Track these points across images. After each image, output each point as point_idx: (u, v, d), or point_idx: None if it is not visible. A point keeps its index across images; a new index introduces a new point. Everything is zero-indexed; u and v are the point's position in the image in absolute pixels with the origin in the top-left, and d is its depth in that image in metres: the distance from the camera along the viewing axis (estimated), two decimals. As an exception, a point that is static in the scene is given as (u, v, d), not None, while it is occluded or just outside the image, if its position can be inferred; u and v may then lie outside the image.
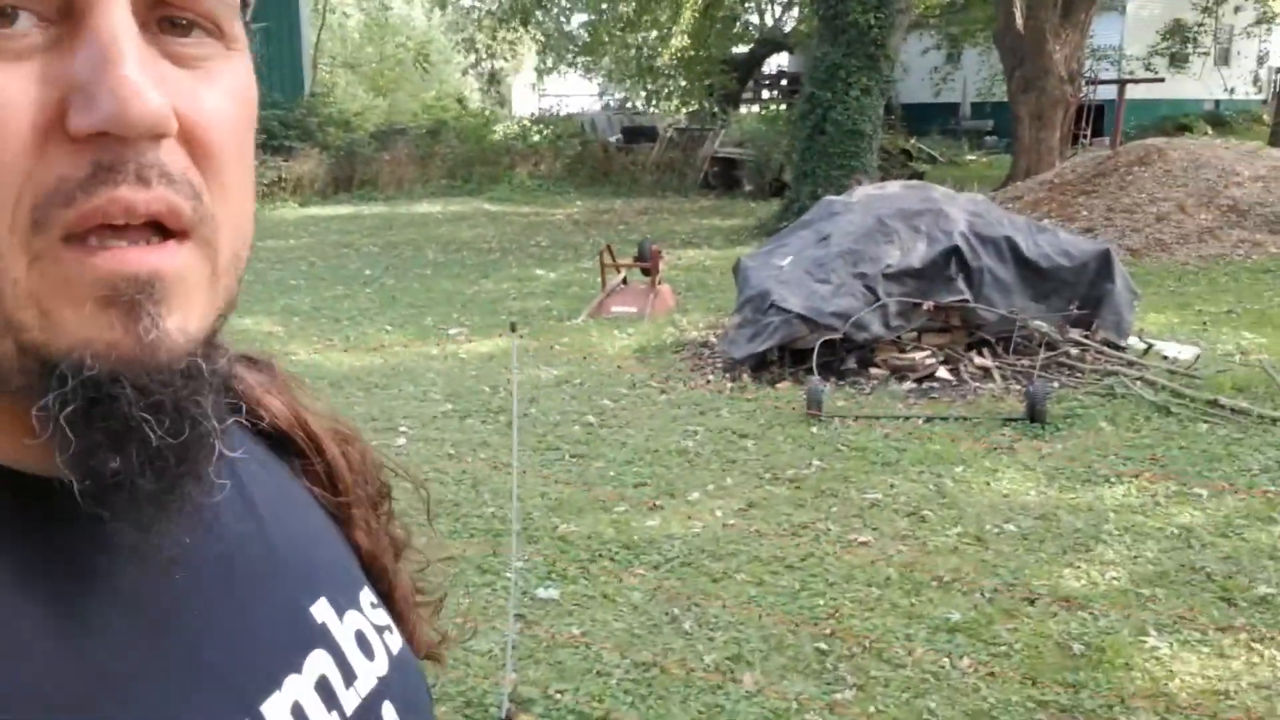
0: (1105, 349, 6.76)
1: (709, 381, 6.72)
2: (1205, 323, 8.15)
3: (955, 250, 6.77)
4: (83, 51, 0.41)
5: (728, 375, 6.76)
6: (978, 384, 6.46)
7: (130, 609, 0.48)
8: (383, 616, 0.62)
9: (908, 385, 6.49)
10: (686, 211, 16.42)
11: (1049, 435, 5.65)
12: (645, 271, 8.73)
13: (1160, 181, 11.42)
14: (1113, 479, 5.01)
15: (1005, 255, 6.89)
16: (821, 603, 3.85)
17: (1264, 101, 30.37)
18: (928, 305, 6.69)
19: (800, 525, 4.54)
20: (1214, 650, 3.53)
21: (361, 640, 0.59)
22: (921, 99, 26.35)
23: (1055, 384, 6.38)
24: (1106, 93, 24.04)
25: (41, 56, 0.41)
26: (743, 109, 27.22)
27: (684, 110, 24.42)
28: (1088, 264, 6.99)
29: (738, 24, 26.22)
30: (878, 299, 6.68)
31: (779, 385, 6.53)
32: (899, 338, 6.79)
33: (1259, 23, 24.22)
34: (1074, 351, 6.62)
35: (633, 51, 22.62)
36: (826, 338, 6.59)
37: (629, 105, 26.41)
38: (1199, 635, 3.62)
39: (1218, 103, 29.55)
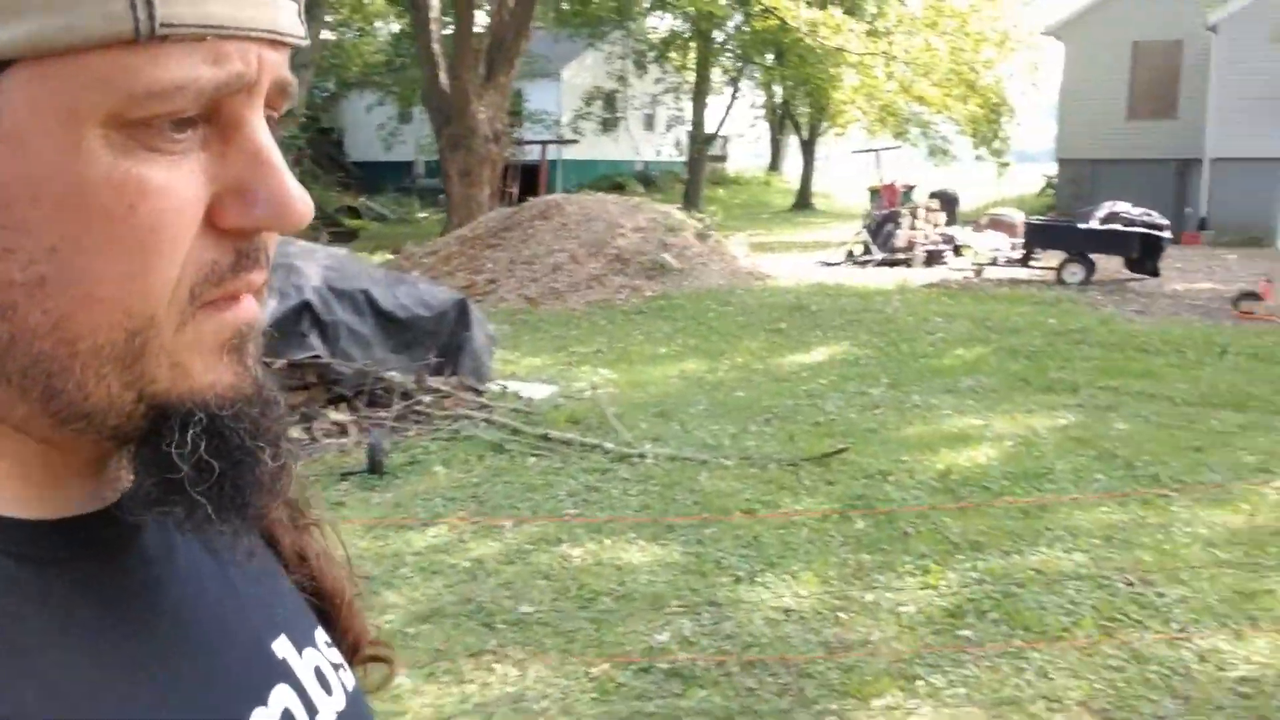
0: (464, 394, 7.04)
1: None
2: (572, 362, 8.84)
3: (307, 305, 6.72)
4: (240, 157, 0.46)
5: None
6: (332, 440, 6.43)
7: (105, 653, 0.48)
8: (336, 655, 0.63)
9: (260, 447, 6.28)
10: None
11: (385, 485, 5.72)
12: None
13: (558, 234, 12.36)
14: (429, 522, 5.15)
15: (363, 308, 6.96)
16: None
17: (685, 163, 34.47)
18: (279, 364, 6.55)
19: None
20: (455, 678, 3.67)
21: (320, 676, 0.59)
22: (374, 156, 26.67)
23: (410, 432, 6.52)
24: (548, 153, 25.85)
25: (196, 156, 0.45)
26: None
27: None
28: (447, 313, 7.27)
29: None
30: (228, 360, 6.42)
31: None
32: (255, 398, 6.58)
33: (666, 91, 27.39)
34: (428, 399, 6.82)
35: None
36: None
37: None
38: (447, 665, 3.75)
39: (646, 164, 33.00)
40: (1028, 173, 33.20)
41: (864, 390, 7.92)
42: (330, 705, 0.59)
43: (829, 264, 15.83)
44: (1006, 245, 15.76)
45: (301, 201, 0.47)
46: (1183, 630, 4.13)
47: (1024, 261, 14.66)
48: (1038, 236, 14.52)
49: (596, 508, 5.43)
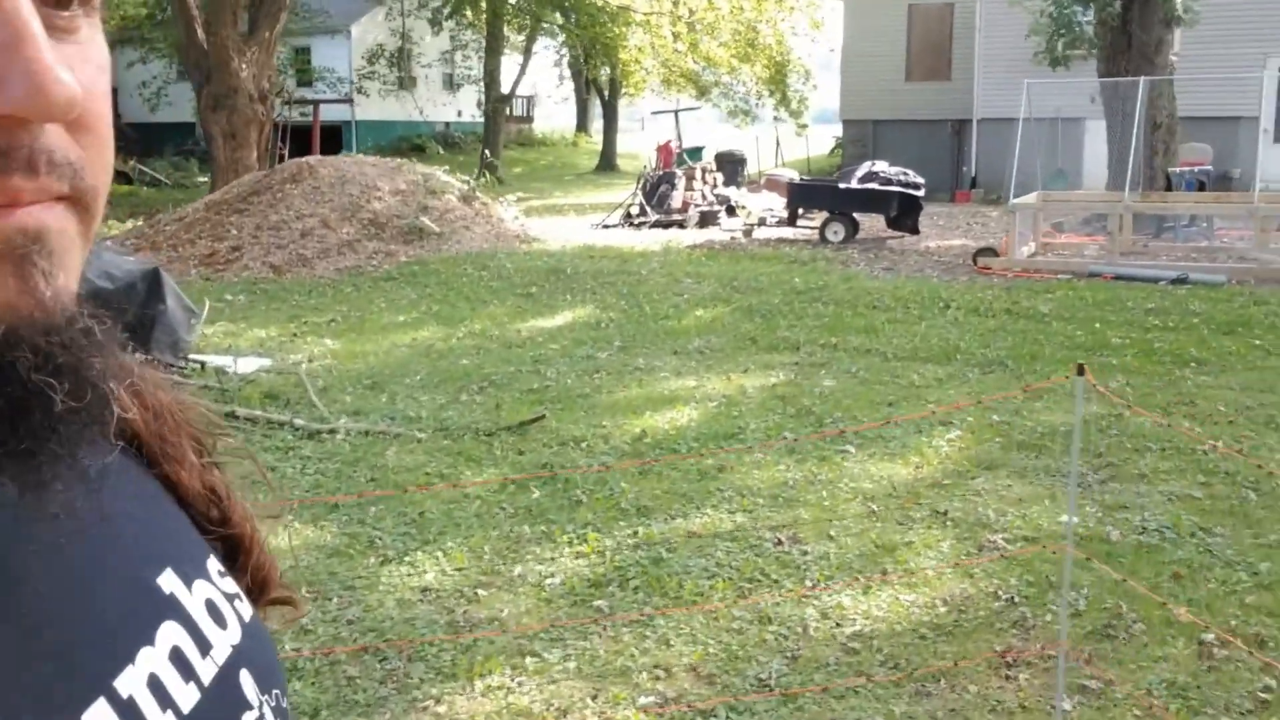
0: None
1: None
2: (300, 333, 8.48)
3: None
4: None
5: None
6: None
7: None
8: (231, 585, 0.60)
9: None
10: None
11: (35, 473, 5.31)
12: None
13: (309, 198, 11.85)
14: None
15: (34, 283, 6.44)
16: None
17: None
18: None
19: None
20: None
21: (213, 609, 0.56)
22: (144, 118, 25.12)
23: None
24: (339, 114, 24.90)
25: None
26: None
27: None
28: (135, 285, 6.82)
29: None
30: None
31: None
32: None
33: (456, 49, 26.78)
34: (108, 378, 6.38)
35: None
36: None
37: None
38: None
39: (448, 124, 32.29)
40: (828, 134, 34.09)
41: (592, 354, 7.87)
42: (224, 639, 0.56)
43: (606, 226, 15.79)
44: (780, 205, 16.06)
45: (57, 80, 0.39)
46: (814, 588, 4.20)
47: (791, 221, 14.95)
48: (802, 197, 14.83)
49: (264, 489, 5.16)
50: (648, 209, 15.70)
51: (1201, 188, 14.92)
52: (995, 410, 6.38)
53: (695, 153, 19.12)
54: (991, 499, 5.09)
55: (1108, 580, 4.17)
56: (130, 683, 0.49)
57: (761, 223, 15.28)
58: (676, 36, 23.50)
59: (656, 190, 15.88)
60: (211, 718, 0.53)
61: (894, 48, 24.08)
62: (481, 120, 33.87)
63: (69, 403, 0.43)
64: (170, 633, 0.53)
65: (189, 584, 0.56)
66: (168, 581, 0.55)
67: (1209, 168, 16.20)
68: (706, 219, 15.65)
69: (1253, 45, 19.45)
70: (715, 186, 16.80)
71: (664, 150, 17.25)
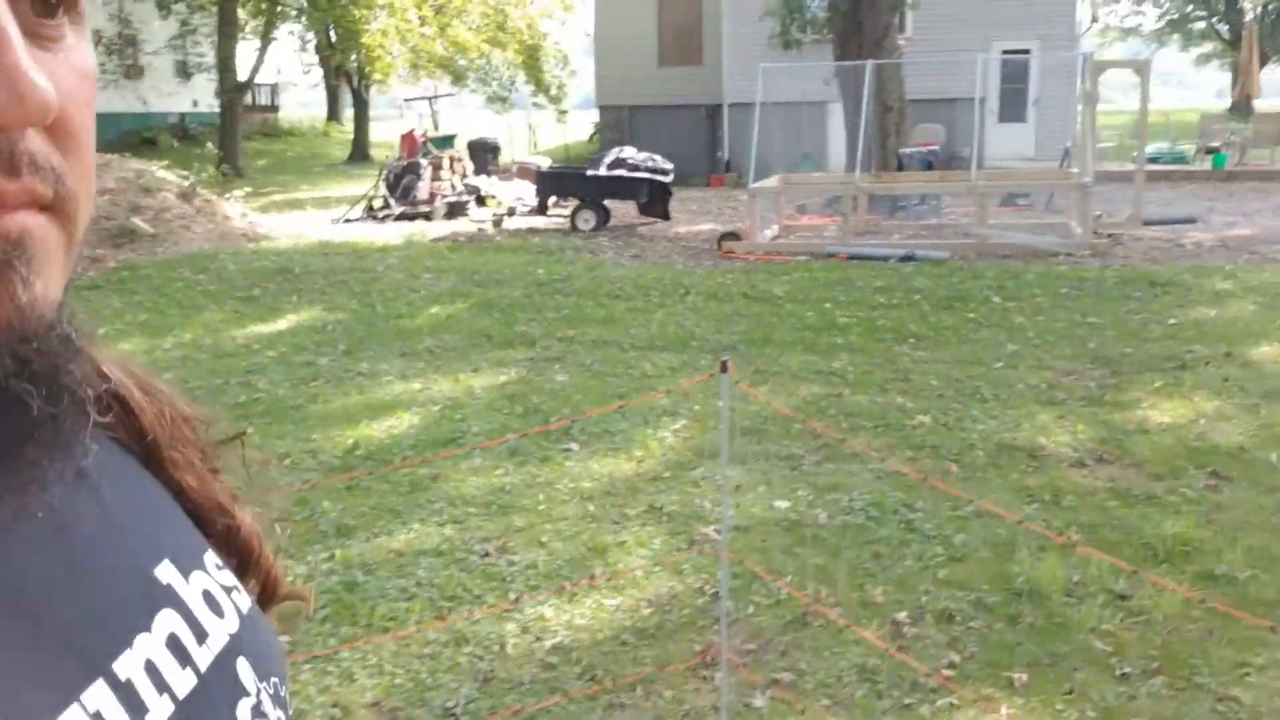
0: None
1: None
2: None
3: None
4: None
5: None
6: None
7: None
8: (229, 578, 0.61)
9: None
10: None
11: None
12: None
13: None
14: None
15: None
16: None
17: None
18: None
19: None
20: None
21: (210, 599, 0.58)
22: None
23: None
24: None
25: None
26: None
27: None
28: None
29: None
30: None
31: None
32: None
33: (183, 34, 25.13)
34: None
35: None
36: None
37: None
38: None
39: (183, 115, 30.34)
40: (589, 120, 34.09)
41: (312, 360, 7.39)
42: (221, 628, 0.57)
43: (348, 220, 15.11)
44: (532, 194, 15.83)
45: (33, 85, 0.39)
46: (517, 600, 3.99)
47: (542, 210, 14.75)
48: (551, 185, 14.66)
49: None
50: (391, 201, 15.12)
51: (930, 167, 15.70)
52: (720, 397, 6.35)
53: (445, 141, 18.59)
54: (709, 489, 5.03)
55: (810, 566, 4.15)
56: (128, 667, 0.49)
57: (512, 212, 15.01)
58: (423, 21, 22.82)
59: (401, 181, 15.30)
60: (208, 703, 0.53)
61: (646, 32, 24.28)
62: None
63: (45, 408, 0.43)
64: (167, 620, 0.53)
65: (186, 575, 0.57)
66: (165, 572, 0.56)
67: (936, 148, 17.09)
68: (455, 210, 15.23)
69: (977, 30, 20.72)
70: (465, 176, 16.38)
71: (407, 139, 16.67)
